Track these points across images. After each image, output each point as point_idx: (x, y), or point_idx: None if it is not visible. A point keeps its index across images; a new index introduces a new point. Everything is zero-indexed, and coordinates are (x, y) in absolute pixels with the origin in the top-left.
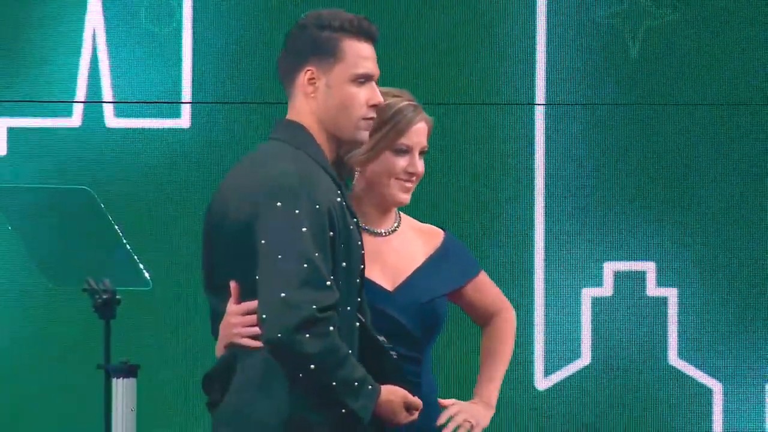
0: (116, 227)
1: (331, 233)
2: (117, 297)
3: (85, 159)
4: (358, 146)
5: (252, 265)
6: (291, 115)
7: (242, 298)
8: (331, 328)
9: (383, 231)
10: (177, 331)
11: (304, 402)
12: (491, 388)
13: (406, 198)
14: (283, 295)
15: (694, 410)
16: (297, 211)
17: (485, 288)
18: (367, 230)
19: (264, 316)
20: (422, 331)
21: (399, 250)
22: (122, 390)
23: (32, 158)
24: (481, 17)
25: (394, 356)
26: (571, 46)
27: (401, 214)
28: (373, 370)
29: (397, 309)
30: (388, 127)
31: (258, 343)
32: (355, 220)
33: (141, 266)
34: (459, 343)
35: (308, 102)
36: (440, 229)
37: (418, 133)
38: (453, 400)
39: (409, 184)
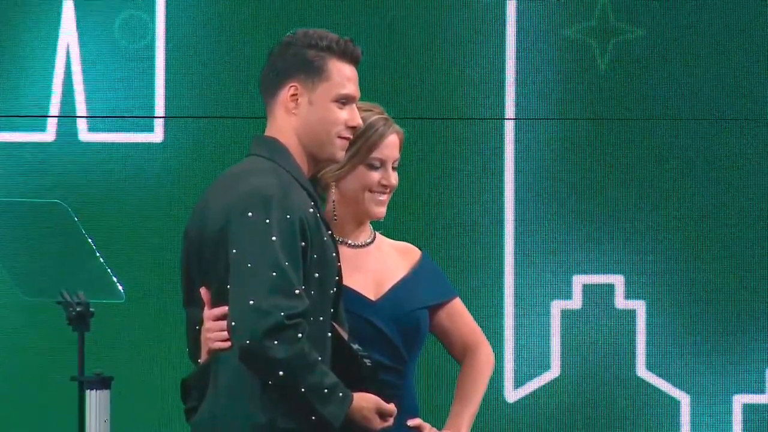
0: (89, 240)
1: (303, 243)
2: (90, 309)
3: (58, 173)
4: (334, 164)
5: (225, 275)
6: (270, 132)
7: (215, 305)
8: (300, 335)
9: (360, 243)
10: (150, 343)
11: (276, 408)
12: (458, 421)
13: (381, 211)
14: (251, 302)
15: (662, 422)
16: (267, 221)
17: (460, 316)
18: (345, 243)
19: (233, 323)
20: (403, 342)
21: (379, 262)
22: (96, 402)
23: (5, 172)
24: (452, 32)
25: (369, 364)
26: (541, 61)
27: (376, 232)
28: (350, 380)
29: (380, 318)
30: (360, 142)
31: (227, 344)
32: (329, 232)
33: (114, 279)
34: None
35: (289, 118)
36: (417, 249)
37: (391, 146)
38: (419, 420)
39: (383, 197)
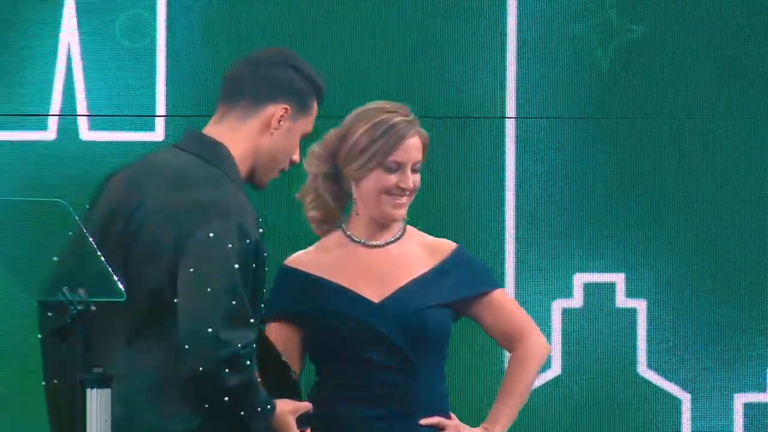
0: (90, 239)
1: (254, 265)
2: (91, 308)
3: (59, 171)
4: (257, 186)
5: (166, 286)
6: (219, 132)
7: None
8: (249, 362)
9: (380, 243)
10: None
11: (196, 413)
12: (497, 416)
13: (399, 213)
14: (210, 330)
15: (663, 421)
16: (230, 246)
17: (501, 308)
18: (361, 243)
19: (187, 346)
20: (407, 343)
21: (395, 262)
22: (97, 400)
23: (6, 171)
24: (452, 30)
25: (294, 373)
26: (542, 59)
27: (409, 227)
28: (272, 384)
29: (382, 320)
30: (379, 143)
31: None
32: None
33: (115, 277)
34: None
35: (262, 134)
36: (452, 243)
37: (410, 148)
38: (438, 419)
39: (401, 200)
